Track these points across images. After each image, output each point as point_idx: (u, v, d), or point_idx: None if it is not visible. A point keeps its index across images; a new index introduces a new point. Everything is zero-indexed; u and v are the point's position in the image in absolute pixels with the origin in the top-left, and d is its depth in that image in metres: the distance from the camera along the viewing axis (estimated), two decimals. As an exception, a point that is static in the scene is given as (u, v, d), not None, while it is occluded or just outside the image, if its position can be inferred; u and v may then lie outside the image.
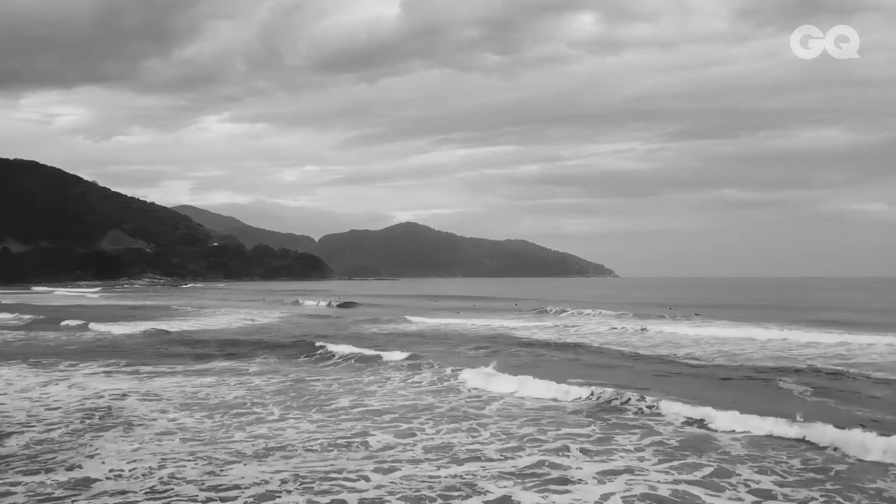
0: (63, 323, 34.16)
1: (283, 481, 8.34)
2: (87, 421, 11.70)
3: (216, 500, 7.79)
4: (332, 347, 21.29)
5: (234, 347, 23.27)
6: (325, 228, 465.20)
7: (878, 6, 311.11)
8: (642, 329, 29.45)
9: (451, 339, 26.31)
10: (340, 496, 7.90)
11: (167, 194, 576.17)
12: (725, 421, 10.80)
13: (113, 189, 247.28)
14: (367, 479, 8.47)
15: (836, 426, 9.92)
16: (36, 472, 8.71)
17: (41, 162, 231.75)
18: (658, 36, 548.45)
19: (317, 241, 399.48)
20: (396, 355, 19.16)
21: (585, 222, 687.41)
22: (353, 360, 19.32)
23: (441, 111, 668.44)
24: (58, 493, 7.98)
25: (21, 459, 9.33)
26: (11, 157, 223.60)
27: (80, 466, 8.99)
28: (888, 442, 9.08)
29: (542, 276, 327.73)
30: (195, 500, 7.78)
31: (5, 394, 14.40)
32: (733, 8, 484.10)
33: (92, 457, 9.45)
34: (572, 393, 13.52)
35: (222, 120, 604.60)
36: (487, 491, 7.98)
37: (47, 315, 41.29)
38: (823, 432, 9.82)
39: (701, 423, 11.04)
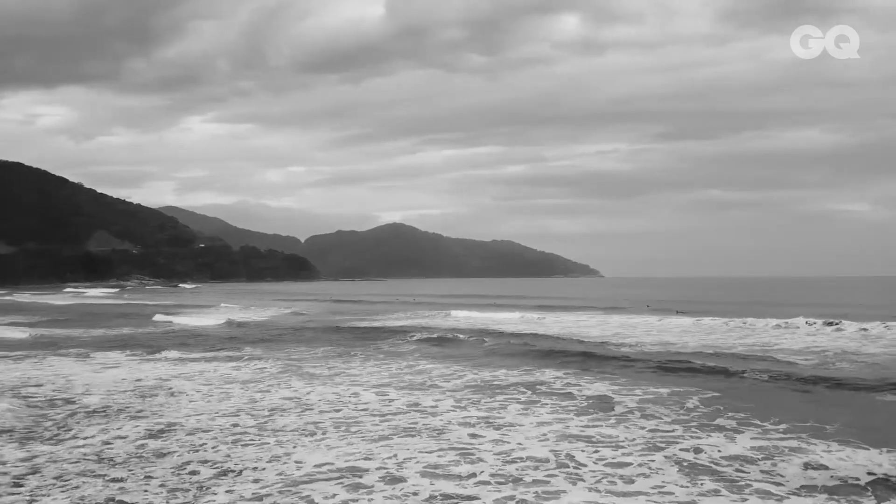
0: (155, 318, 40.88)
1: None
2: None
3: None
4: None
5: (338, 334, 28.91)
6: (311, 229, 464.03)
7: (859, 8, 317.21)
8: (603, 322, 32.45)
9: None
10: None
11: (151, 195, 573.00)
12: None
13: (97, 190, 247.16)
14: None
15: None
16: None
17: (25, 163, 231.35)
18: (641, 37, 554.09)
19: (303, 241, 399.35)
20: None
21: (571, 223, 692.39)
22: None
23: (426, 112, 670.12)
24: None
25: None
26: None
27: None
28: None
29: (528, 277, 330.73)
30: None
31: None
32: (715, 10, 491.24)
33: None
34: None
35: (206, 120, 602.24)
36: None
37: (123, 313, 46.73)
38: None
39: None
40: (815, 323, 27.70)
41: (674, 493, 7.44)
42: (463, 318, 37.67)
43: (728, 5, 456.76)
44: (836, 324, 27.19)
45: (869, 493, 7.35)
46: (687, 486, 7.70)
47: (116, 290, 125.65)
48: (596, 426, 10.95)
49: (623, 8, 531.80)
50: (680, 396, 13.14)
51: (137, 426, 11.14)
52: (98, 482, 8.13)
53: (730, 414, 11.49)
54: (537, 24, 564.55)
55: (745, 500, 7.24)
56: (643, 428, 10.87)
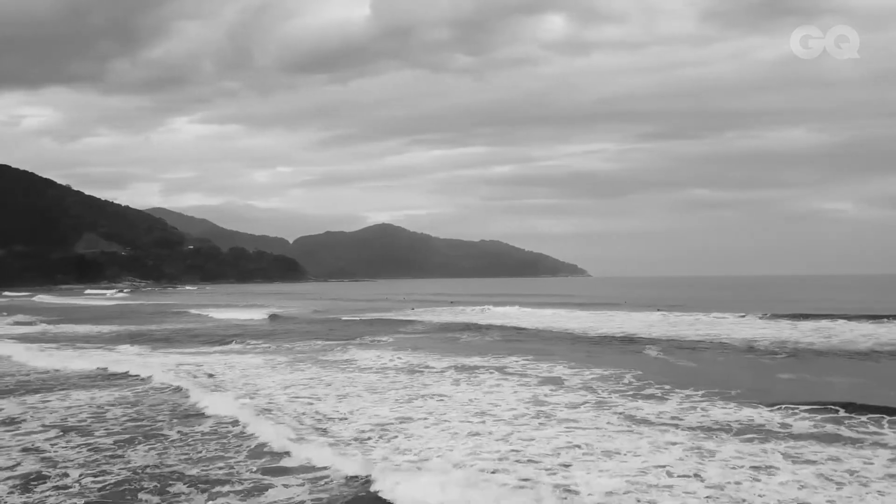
0: (210, 314, 46.82)
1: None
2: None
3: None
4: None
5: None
6: (300, 230, 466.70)
7: (842, 8, 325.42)
8: (577, 317, 36.69)
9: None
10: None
11: (137, 196, 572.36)
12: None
13: (84, 192, 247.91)
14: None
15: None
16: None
17: (11, 164, 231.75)
18: (627, 38, 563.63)
19: (291, 242, 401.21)
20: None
21: (558, 222, 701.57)
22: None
23: (413, 112, 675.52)
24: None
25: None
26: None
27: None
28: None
29: (516, 277, 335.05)
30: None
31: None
32: (700, 10, 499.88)
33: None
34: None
35: (192, 121, 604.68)
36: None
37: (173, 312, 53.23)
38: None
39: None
40: (782, 318, 31.13)
41: (607, 429, 11.25)
42: (450, 313, 42.27)
43: (712, 6, 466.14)
44: (798, 318, 30.60)
45: (731, 432, 10.77)
46: (618, 425, 11.29)
47: (126, 291, 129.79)
48: (555, 394, 14.18)
49: (608, 8, 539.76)
50: (620, 374, 16.55)
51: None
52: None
53: (657, 385, 14.88)
54: (523, 24, 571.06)
55: (649, 434, 10.80)
56: (588, 395, 14.00)
